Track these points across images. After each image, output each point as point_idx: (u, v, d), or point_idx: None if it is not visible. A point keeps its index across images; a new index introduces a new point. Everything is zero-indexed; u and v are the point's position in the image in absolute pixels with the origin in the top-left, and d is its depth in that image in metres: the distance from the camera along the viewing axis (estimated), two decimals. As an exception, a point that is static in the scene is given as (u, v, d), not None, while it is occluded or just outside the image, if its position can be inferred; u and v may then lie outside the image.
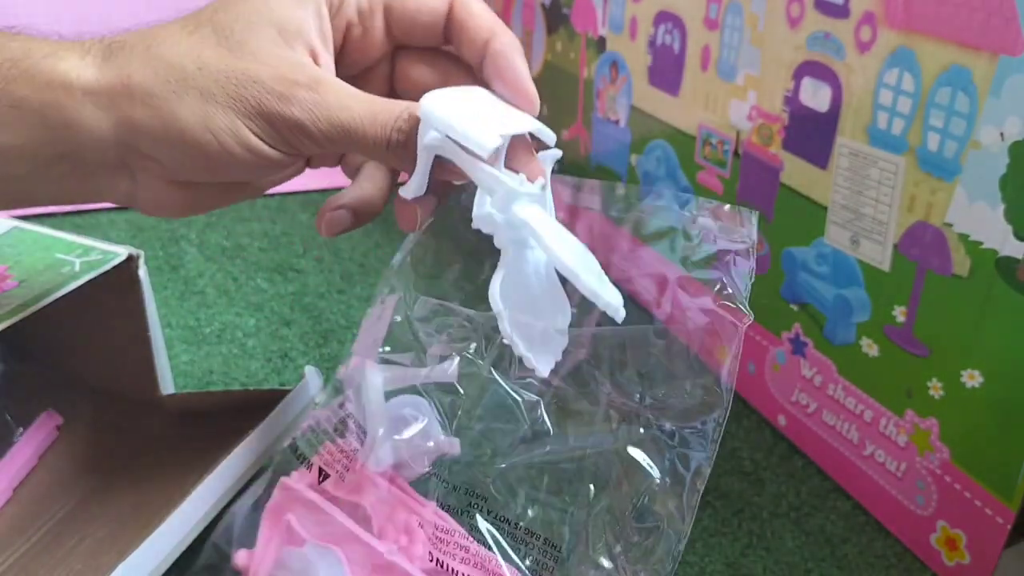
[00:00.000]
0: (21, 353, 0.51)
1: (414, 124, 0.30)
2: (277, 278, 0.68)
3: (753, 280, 0.36)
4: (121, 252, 0.43)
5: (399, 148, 0.30)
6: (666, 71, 0.58)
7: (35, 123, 0.30)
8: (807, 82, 0.46)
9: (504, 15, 0.83)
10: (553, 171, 0.34)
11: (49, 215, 0.76)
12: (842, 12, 0.43)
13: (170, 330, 0.60)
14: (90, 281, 0.41)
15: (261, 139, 0.30)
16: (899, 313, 0.42)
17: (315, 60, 0.32)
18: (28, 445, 0.46)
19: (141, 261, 0.43)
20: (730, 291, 0.36)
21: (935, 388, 0.41)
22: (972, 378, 0.39)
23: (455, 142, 0.29)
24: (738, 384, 0.56)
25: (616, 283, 0.32)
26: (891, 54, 0.40)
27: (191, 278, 0.67)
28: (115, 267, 0.42)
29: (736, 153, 0.52)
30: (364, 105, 0.30)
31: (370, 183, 0.36)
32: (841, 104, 0.44)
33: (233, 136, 0.30)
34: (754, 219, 0.37)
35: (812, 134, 0.46)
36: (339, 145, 0.31)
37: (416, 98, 0.30)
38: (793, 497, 0.48)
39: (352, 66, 0.35)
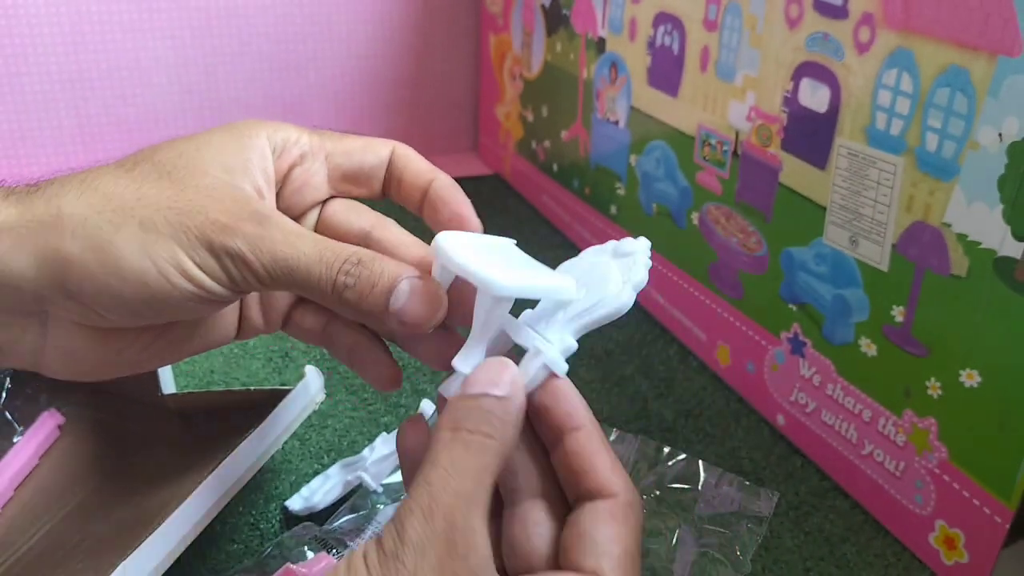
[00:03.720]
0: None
1: (362, 271, 0.29)
2: (277, 278, 0.68)
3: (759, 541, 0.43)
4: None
5: (346, 291, 0.29)
6: (665, 72, 0.58)
7: None
8: (806, 83, 0.46)
9: (504, 16, 0.83)
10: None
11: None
12: (841, 13, 0.43)
13: (171, 330, 0.60)
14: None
15: (203, 270, 0.29)
16: (898, 313, 0.43)
17: (260, 197, 0.31)
18: (29, 445, 0.46)
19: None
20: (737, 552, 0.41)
21: (933, 388, 0.41)
22: (970, 378, 0.39)
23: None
24: (737, 383, 0.56)
25: None
26: (890, 55, 0.40)
27: (192, 278, 0.67)
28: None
29: (735, 153, 0.52)
30: (310, 244, 0.29)
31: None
32: (840, 105, 0.44)
33: (175, 266, 0.28)
34: (774, 499, 0.43)
35: (811, 135, 0.46)
36: (282, 283, 0.29)
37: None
38: (792, 496, 0.48)
39: (289, 210, 0.34)
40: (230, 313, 0.34)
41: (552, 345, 0.29)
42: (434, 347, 0.33)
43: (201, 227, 0.28)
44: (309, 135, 0.34)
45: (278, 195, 0.33)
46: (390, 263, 0.30)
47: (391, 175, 0.35)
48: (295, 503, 0.44)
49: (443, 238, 0.29)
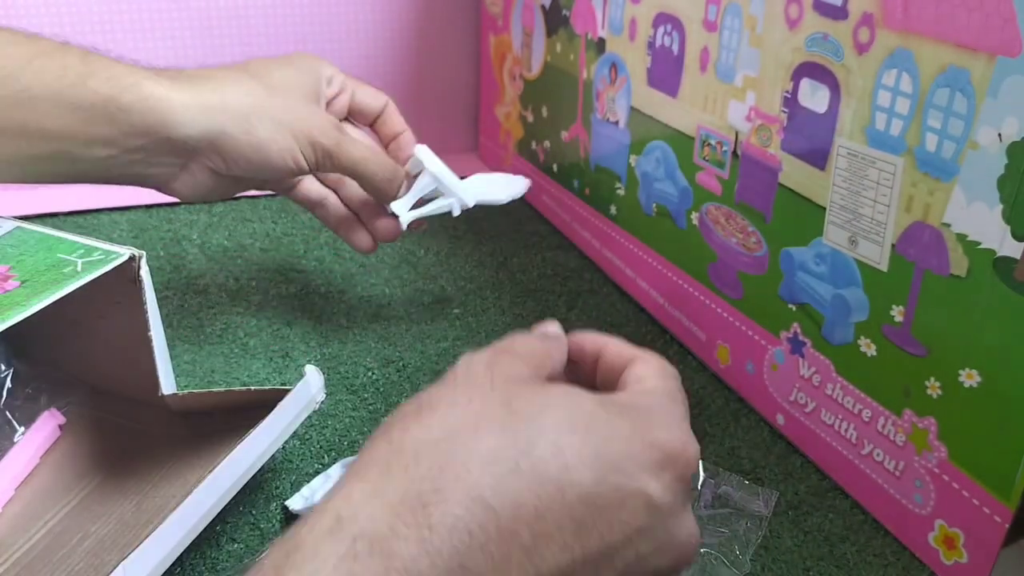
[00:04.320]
0: (24, 353, 0.51)
1: (397, 172, 0.54)
2: (279, 278, 0.68)
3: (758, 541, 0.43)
4: (123, 252, 0.43)
5: (385, 182, 0.53)
6: (665, 72, 0.58)
7: (135, 122, 0.44)
8: (806, 83, 0.46)
9: (504, 17, 0.83)
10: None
11: (51, 215, 0.76)
12: (840, 13, 0.43)
13: (172, 330, 0.60)
14: (92, 281, 0.41)
15: (303, 157, 0.49)
16: (897, 313, 0.43)
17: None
18: (30, 444, 0.46)
19: (143, 261, 0.43)
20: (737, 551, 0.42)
21: (933, 387, 0.41)
22: (970, 377, 0.39)
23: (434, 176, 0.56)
24: (736, 383, 0.56)
25: None
26: (889, 55, 0.40)
27: (193, 278, 0.67)
28: (117, 267, 0.42)
29: (735, 154, 0.52)
30: (368, 151, 0.51)
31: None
32: (839, 105, 0.44)
33: (289, 152, 0.48)
34: (774, 498, 0.44)
35: (810, 135, 0.46)
36: (347, 170, 0.51)
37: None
38: (791, 496, 0.48)
39: None
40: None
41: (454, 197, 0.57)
42: (383, 221, 0.56)
43: (308, 132, 0.48)
44: (344, 77, 0.55)
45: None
46: (401, 172, 0.54)
47: (379, 118, 0.57)
48: (296, 503, 0.45)
49: (421, 148, 0.56)
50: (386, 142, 0.58)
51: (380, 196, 0.54)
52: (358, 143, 0.51)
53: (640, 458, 0.27)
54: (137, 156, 0.45)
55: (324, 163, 0.50)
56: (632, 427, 0.28)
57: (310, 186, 0.56)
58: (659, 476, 0.28)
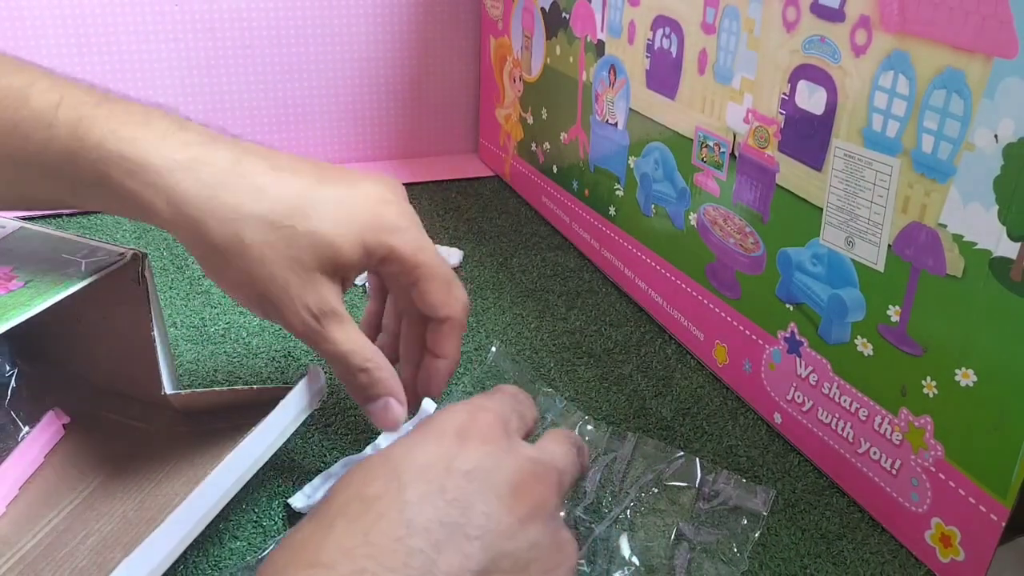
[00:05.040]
0: (28, 353, 0.51)
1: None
2: (279, 279, 0.68)
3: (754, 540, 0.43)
4: (127, 253, 0.43)
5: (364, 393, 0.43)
6: (664, 75, 0.58)
7: (86, 178, 0.37)
8: (803, 85, 0.46)
9: (504, 20, 0.83)
10: None
11: (55, 216, 0.76)
12: (837, 16, 0.43)
13: (175, 329, 0.61)
14: (96, 282, 0.41)
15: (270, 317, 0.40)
16: (893, 313, 0.43)
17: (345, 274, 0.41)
18: (34, 443, 0.46)
19: (146, 262, 0.44)
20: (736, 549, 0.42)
21: (929, 387, 0.42)
22: (966, 376, 0.40)
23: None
24: (734, 382, 0.56)
25: None
26: (886, 57, 0.41)
27: (196, 278, 0.68)
28: (121, 268, 0.42)
29: (733, 155, 0.53)
30: (359, 343, 0.41)
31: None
32: (836, 107, 0.44)
33: (253, 307, 0.40)
34: (771, 496, 0.45)
35: (807, 136, 0.46)
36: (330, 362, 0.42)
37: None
38: (789, 494, 0.48)
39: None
40: None
41: None
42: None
43: (279, 307, 0.39)
44: (416, 243, 0.41)
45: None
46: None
47: (431, 324, 0.44)
48: (298, 501, 0.45)
49: (427, 402, 0.45)
50: (415, 356, 0.46)
51: (359, 400, 0.43)
52: (346, 334, 0.40)
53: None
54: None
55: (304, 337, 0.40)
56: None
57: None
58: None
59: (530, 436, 0.38)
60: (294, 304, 0.39)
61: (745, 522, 0.43)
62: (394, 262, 0.41)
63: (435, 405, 0.45)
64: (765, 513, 0.44)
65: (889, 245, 0.42)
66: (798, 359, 0.50)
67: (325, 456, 0.49)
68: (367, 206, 0.40)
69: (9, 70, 0.37)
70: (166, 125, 0.38)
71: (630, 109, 0.63)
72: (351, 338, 0.40)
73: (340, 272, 0.40)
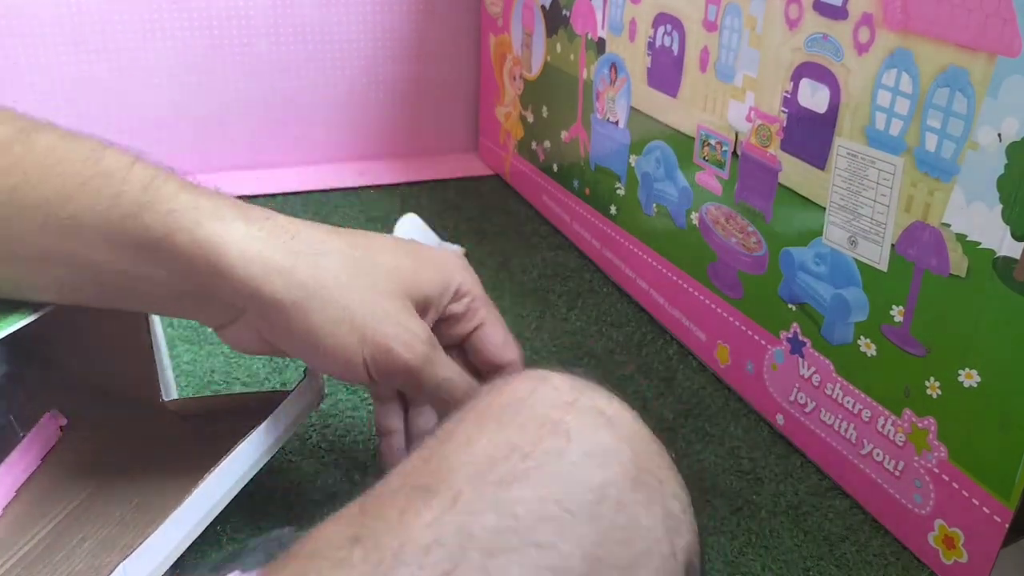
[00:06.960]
0: (25, 355, 0.51)
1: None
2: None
3: None
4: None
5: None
6: (665, 73, 0.58)
7: (181, 268, 0.36)
8: (805, 83, 0.46)
9: (504, 17, 0.83)
10: None
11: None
12: (840, 14, 0.43)
13: (172, 330, 0.60)
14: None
15: (366, 366, 0.38)
16: (897, 313, 0.43)
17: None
18: (32, 446, 0.46)
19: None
20: None
21: (933, 387, 0.41)
22: (969, 377, 0.39)
23: None
24: (737, 383, 0.56)
25: None
26: (889, 55, 0.40)
27: (192, 279, 0.67)
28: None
29: (735, 154, 0.52)
30: (457, 371, 0.41)
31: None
32: (839, 105, 0.44)
33: (345, 354, 0.37)
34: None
35: (810, 135, 0.46)
36: (430, 393, 0.40)
37: None
38: (791, 496, 0.48)
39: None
40: None
41: None
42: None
43: (384, 338, 0.38)
44: (481, 300, 0.43)
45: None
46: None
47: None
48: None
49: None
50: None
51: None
52: (450, 362, 0.40)
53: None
54: (186, 301, 0.39)
55: (393, 379, 0.38)
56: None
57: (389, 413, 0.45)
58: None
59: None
60: (407, 332, 0.38)
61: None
62: (467, 295, 0.42)
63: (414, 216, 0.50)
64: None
65: (892, 245, 0.42)
66: (801, 360, 0.50)
67: (323, 458, 0.49)
68: (429, 253, 0.42)
69: (78, 137, 0.39)
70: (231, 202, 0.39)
71: (631, 107, 0.63)
72: (455, 365, 0.41)
73: (422, 304, 0.40)
